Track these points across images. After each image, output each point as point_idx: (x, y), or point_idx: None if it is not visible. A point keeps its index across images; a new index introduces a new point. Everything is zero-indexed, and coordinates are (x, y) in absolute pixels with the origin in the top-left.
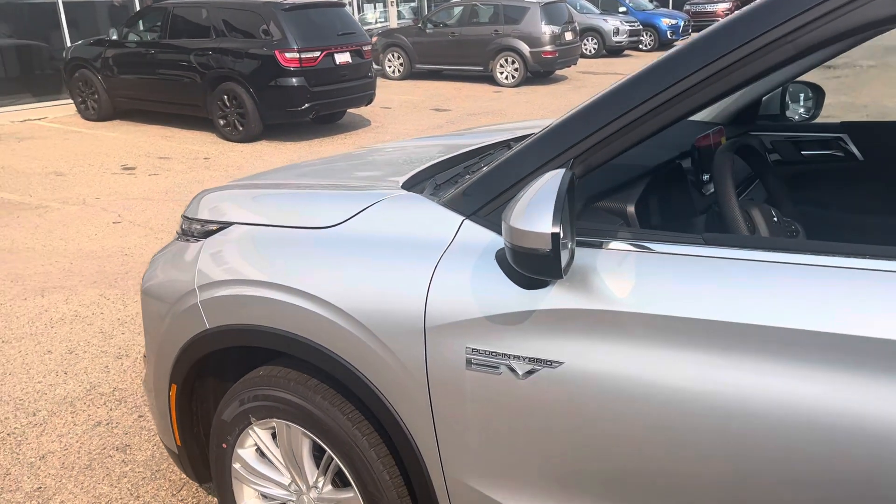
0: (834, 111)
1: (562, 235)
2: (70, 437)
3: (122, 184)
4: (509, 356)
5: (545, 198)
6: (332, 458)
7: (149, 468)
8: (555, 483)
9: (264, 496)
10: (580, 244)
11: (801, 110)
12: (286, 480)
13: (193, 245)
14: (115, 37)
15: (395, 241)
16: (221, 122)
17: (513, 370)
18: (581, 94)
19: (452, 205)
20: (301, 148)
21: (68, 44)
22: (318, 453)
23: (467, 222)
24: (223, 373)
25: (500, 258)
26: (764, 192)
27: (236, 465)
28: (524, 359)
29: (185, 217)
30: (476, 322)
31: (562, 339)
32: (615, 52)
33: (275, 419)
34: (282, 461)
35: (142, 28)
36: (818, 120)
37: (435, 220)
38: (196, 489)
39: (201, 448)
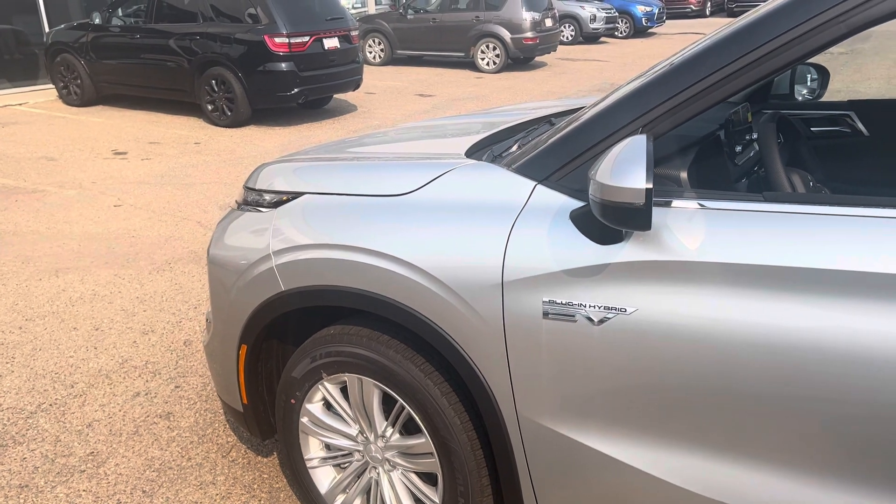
0: None
1: None
2: (112, 407)
3: (116, 168)
4: (585, 305)
5: (634, 157)
6: (403, 408)
7: (195, 433)
8: (624, 419)
9: (329, 447)
10: (659, 204)
11: (807, 90)
12: (354, 431)
13: (263, 214)
14: (98, 21)
15: (471, 205)
16: (209, 107)
17: (588, 318)
18: (561, 81)
19: (523, 171)
20: (290, 132)
21: (46, 28)
22: (386, 406)
23: (540, 187)
24: (286, 336)
25: (576, 217)
26: (797, 160)
27: (304, 420)
28: (599, 307)
29: (249, 188)
30: (552, 276)
31: (634, 289)
32: (592, 38)
33: (346, 374)
34: (350, 413)
35: (126, 12)
36: (824, 99)
37: (508, 185)
38: (245, 451)
39: (264, 406)
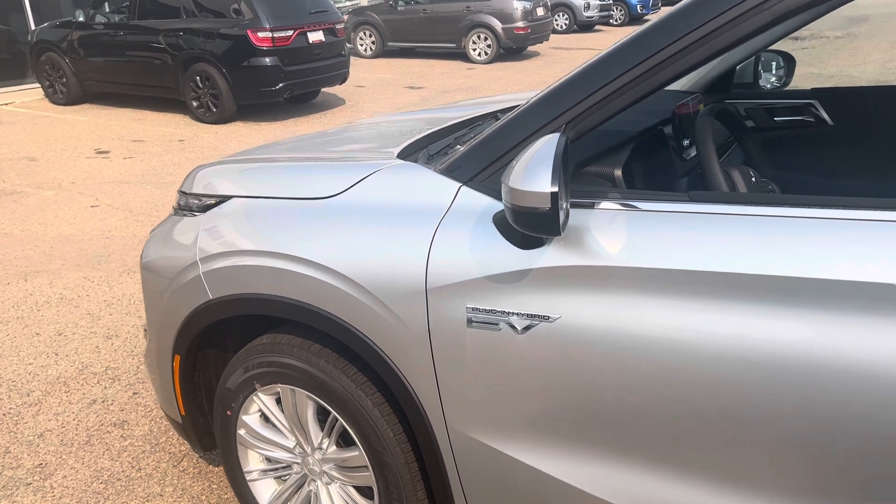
0: (802, 82)
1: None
2: (67, 416)
3: (97, 168)
4: (508, 313)
5: (542, 160)
6: (337, 420)
7: (148, 442)
8: (552, 431)
9: (269, 460)
10: (573, 205)
11: (773, 79)
12: (291, 443)
13: (193, 219)
14: (81, 18)
15: (394, 208)
16: (195, 103)
17: (512, 326)
18: (554, 70)
19: (449, 172)
20: (276, 128)
21: (33, 27)
22: (321, 417)
23: (464, 188)
24: (223, 344)
25: (498, 221)
26: (742, 155)
27: (241, 432)
28: (523, 315)
29: (181, 192)
30: (475, 282)
31: (558, 295)
32: (586, 27)
33: (279, 384)
34: (286, 425)
35: (109, 9)
36: (789, 87)
37: (433, 187)
38: (196, 460)
39: (204, 417)
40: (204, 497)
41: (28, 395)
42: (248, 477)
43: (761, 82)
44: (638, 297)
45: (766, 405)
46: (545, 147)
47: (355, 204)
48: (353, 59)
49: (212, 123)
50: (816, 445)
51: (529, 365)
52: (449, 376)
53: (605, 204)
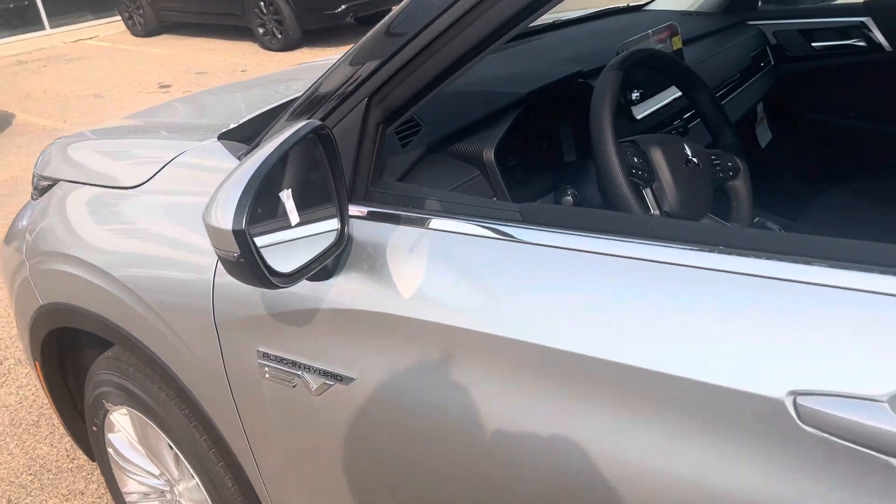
0: None
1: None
2: (27, 390)
3: (157, 102)
4: (301, 366)
5: (239, 179)
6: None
7: None
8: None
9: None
10: (379, 218)
11: None
12: (156, 471)
13: (31, 205)
14: None
15: (184, 208)
16: (260, 30)
17: (307, 385)
18: None
19: None
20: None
21: None
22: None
23: None
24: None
25: None
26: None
27: (110, 451)
28: (315, 371)
29: (35, 172)
30: (263, 320)
31: (351, 346)
32: None
33: (126, 407)
34: (144, 451)
35: None
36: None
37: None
38: None
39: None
40: None
41: (1, 363)
42: (127, 499)
43: None
44: (431, 358)
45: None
46: (252, 161)
47: (152, 199)
48: None
49: (278, 51)
50: None
51: (330, 433)
52: (255, 428)
53: (415, 218)
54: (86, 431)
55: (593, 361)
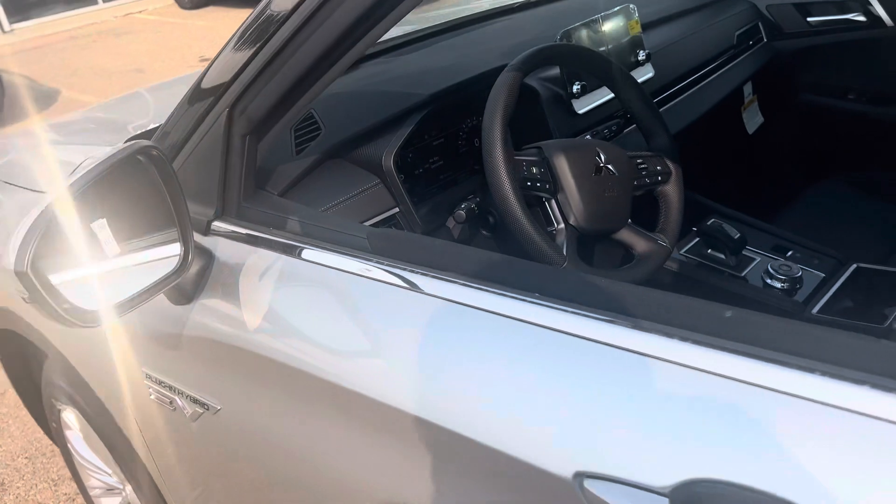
0: None
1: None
2: None
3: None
4: (176, 391)
5: (34, 213)
6: None
7: None
8: None
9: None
10: (243, 239)
11: None
12: (109, 469)
13: None
14: None
15: None
16: None
17: (182, 410)
18: None
19: None
20: None
21: None
22: None
23: None
24: None
25: None
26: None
27: (69, 447)
28: (187, 397)
29: None
30: (146, 341)
31: (212, 374)
32: None
33: (72, 408)
34: (94, 450)
35: None
36: None
37: None
38: None
39: None
40: None
41: None
42: (91, 493)
43: None
44: (280, 395)
45: None
46: (47, 197)
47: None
48: None
49: None
50: None
51: (209, 455)
52: (153, 443)
53: (270, 243)
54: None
55: (415, 420)
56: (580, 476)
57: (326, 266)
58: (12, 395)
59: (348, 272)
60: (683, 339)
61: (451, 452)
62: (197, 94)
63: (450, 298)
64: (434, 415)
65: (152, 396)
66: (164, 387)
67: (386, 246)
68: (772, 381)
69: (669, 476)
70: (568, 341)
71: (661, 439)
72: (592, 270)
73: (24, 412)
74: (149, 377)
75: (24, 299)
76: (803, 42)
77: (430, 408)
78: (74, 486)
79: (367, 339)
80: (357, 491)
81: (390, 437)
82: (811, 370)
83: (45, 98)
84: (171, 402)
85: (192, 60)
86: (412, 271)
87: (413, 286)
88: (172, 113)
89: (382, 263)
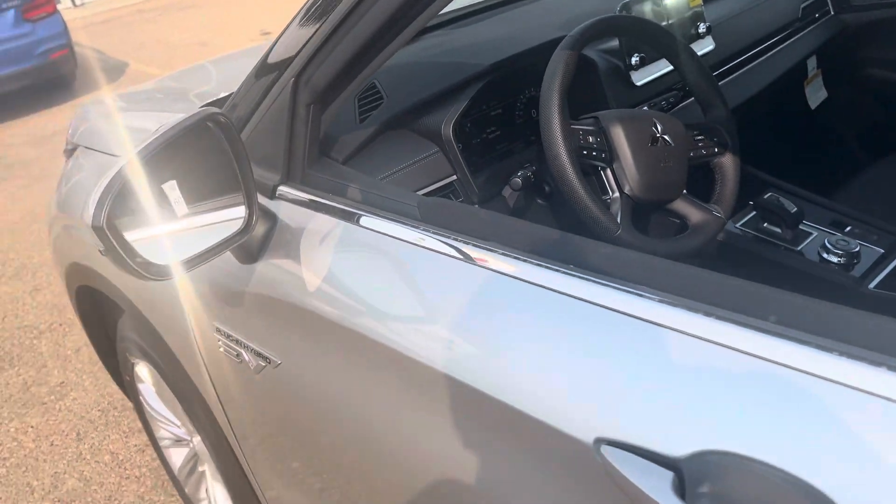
0: None
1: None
2: None
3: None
4: (242, 344)
5: (110, 172)
6: None
7: None
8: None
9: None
10: (306, 204)
11: None
12: (178, 421)
13: (63, 167)
14: None
15: None
16: None
17: (247, 362)
18: None
19: None
20: None
21: None
22: None
23: None
24: None
25: None
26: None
27: (141, 399)
28: (252, 351)
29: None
30: (216, 296)
31: (274, 330)
32: None
33: (145, 362)
34: (164, 402)
35: None
36: None
37: None
38: None
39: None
40: None
41: None
42: (160, 444)
43: None
44: (336, 354)
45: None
46: (123, 158)
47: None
48: None
49: None
50: None
51: (270, 407)
52: (224, 395)
53: (331, 209)
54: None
55: (458, 385)
56: (599, 442)
57: (382, 233)
58: (85, 353)
59: (402, 240)
60: (708, 314)
61: (496, 420)
62: (264, 68)
63: (497, 270)
64: (479, 382)
65: (221, 349)
66: (231, 340)
67: (434, 214)
68: (790, 360)
69: (684, 446)
70: (607, 315)
71: (680, 411)
72: (646, 239)
73: (97, 368)
74: (218, 331)
75: (100, 251)
76: (872, 15)
77: (475, 375)
78: (144, 438)
79: (417, 305)
80: (403, 450)
81: (434, 400)
82: (828, 349)
83: (115, 70)
84: (237, 355)
85: (253, 34)
86: (465, 242)
87: (465, 257)
88: (241, 86)
89: (435, 233)
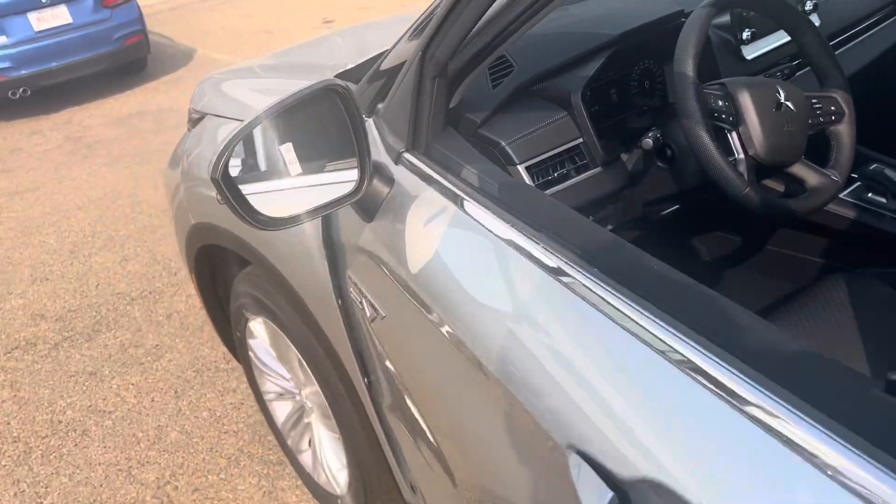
0: None
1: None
2: (196, 298)
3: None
4: (363, 294)
5: (231, 132)
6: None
7: None
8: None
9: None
10: (420, 175)
11: None
12: (287, 374)
13: (186, 135)
14: None
15: None
16: None
17: (364, 311)
18: None
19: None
20: None
21: None
22: None
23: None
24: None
25: None
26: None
27: (251, 355)
28: (368, 302)
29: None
30: (348, 249)
31: (381, 285)
32: None
33: (261, 317)
34: (276, 356)
35: None
36: None
37: None
38: None
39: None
40: None
41: (175, 274)
42: (266, 398)
43: None
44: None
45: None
46: (245, 121)
47: None
48: None
49: None
50: None
51: (385, 357)
52: (355, 342)
53: (438, 185)
54: (233, 336)
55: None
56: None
57: (481, 224)
58: (176, 319)
59: (499, 236)
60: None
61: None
62: (409, 40)
63: (582, 295)
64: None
65: (352, 296)
66: (356, 289)
67: (510, 198)
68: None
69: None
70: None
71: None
72: (769, 198)
73: (189, 333)
74: (349, 279)
75: (217, 200)
76: None
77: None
78: (239, 396)
79: (500, 303)
80: (479, 424)
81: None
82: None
83: (184, 56)
84: (360, 303)
85: (315, 22)
86: (554, 254)
87: (554, 271)
88: (384, 58)
89: (533, 238)
